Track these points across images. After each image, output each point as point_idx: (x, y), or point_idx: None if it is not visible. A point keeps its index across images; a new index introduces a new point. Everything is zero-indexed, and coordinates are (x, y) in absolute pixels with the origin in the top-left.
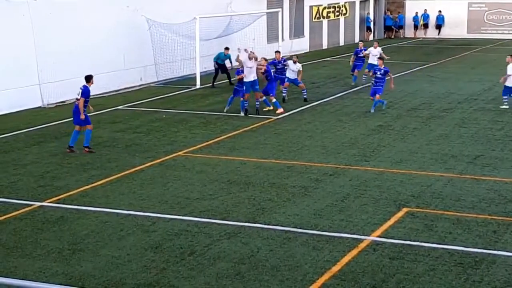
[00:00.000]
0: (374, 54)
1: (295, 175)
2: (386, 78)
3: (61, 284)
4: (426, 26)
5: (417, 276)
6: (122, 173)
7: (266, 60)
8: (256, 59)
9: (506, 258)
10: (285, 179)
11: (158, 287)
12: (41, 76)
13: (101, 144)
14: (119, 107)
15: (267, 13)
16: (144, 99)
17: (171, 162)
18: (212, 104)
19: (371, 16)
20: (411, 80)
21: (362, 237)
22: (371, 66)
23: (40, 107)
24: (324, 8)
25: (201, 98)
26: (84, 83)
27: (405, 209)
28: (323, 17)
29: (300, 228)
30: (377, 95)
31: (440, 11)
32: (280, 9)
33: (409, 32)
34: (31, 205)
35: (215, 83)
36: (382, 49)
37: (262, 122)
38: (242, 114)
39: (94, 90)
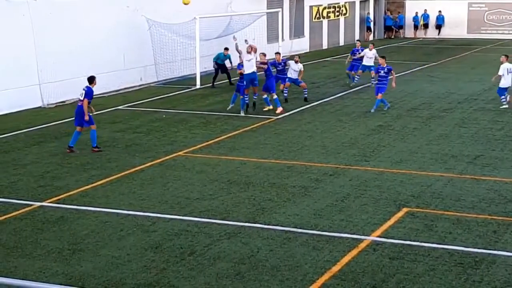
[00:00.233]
0: (369, 56)
1: (295, 175)
2: (389, 77)
3: (61, 284)
4: (426, 26)
5: (417, 276)
6: (122, 173)
7: (265, 55)
8: (255, 51)
9: (506, 258)
10: (285, 179)
11: (158, 287)
12: (41, 76)
13: (101, 144)
14: (119, 107)
15: (267, 13)
16: (144, 99)
17: (171, 162)
18: (212, 104)
19: (371, 16)
20: (411, 80)
21: (362, 237)
22: (365, 67)
23: (40, 107)
24: (324, 8)
25: (201, 98)
26: (87, 84)
27: (405, 209)
28: (323, 17)
29: (300, 228)
30: (379, 94)
31: (440, 11)
32: (280, 9)
33: (409, 32)
34: (31, 205)
35: (215, 83)
36: (382, 49)
37: (262, 122)
38: (242, 114)
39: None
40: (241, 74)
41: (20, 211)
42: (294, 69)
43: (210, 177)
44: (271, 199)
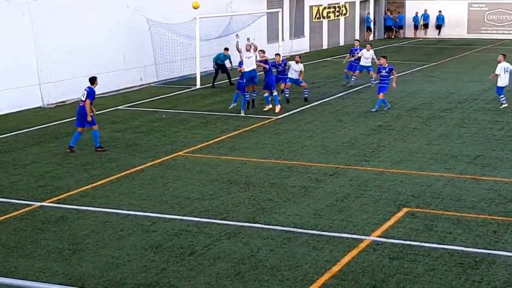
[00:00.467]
0: (366, 57)
1: (295, 175)
2: (391, 77)
3: (61, 284)
4: (426, 26)
5: (417, 276)
6: (122, 173)
7: (263, 52)
8: (255, 49)
9: (506, 258)
10: (285, 179)
11: (158, 287)
12: (41, 76)
13: (102, 144)
14: (119, 107)
15: (267, 13)
16: (144, 99)
17: (171, 162)
18: (212, 104)
19: (371, 16)
20: (411, 80)
21: (362, 237)
22: (362, 68)
23: (40, 107)
24: (324, 8)
25: (201, 98)
26: (88, 84)
27: (405, 209)
28: (323, 17)
29: (300, 228)
30: (381, 94)
31: (440, 11)
32: (280, 9)
33: (409, 32)
34: (31, 205)
35: (215, 83)
36: (383, 50)
37: (262, 122)
38: (242, 114)
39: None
40: (241, 72)
41: (20, 211)
42: (295, 70)
43: (210, 177)
44: (271, 199)
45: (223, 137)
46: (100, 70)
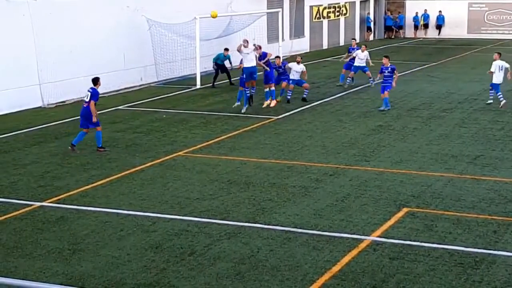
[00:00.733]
0: (360, 57)
1: (295, 175)
2: (393, 76)
3: (61, 284)
4: (426, 26)
5: (417, 276)
6: (122, 173)
7: (260, 47)
8: (260, 48)
9: (506, 258)
10: (285, 179)
11: (158, 287)
12: (41, 76)
13: (102, 144)
14: (119, 107)
15: (267, 13)
16: (144, 99)
17: (171, 162)
18: (212, 104)
19: (371, 16)
20: (411, 80)
21: (362, 237)
22: (357, 68)
23: (40, 107)
24: (324, 8)
25: (201, 98)
26: (92, 85)
27: (405, 209)
28: (323, 17)
29: (300, 228)
30: (386, 92)
31: (440, 11)
32: (280, 9)
33: (409, 32)
34: (31, 205)
35: (215, 83)
36: (383, 50)
37: (262, 122)
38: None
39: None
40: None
41: (20, 211)
42: (296, 70)
43: (210, 177)
44: (271, 199)
45: (223, 137)
46: (100, 70)
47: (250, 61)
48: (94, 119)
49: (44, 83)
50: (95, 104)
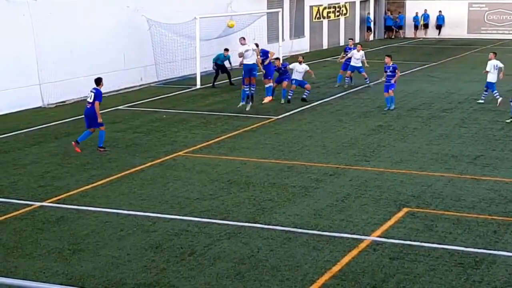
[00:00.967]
0: (356, 57)
1: (295, 175)
2: (395, 75)
3: (61, 284)
4: (426, 26)
5: (417, 276)
6: (122, 173)
7: (257, 45)
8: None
9: (506, 258)
10: (285, 179)
11: (158, 287)
12: (41, 76)
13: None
14: (119, 107)
15: (267, 13)
16: (144, 99)
17: (171, 162)
18: (212, 104)
19: (371, 16)
20: (411, 80)
21: (362, 237)
22: (353, 68)
23: (40, 107)
24: (324, 8)
25: (201, 98)
26: (94, 85)
27: (405, 209)
28: (323, 17)
29: (300, 228)
30: (390, 90)
31: (440, 11)
32: (280, 9)
33: (409, 32)
34: (31, 205)
35: (215, 84)
36: (383, 50)
37: (262, 122)
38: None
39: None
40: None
41: (20, 211)
42: (298, 71)
43: (210, 177)
44: (271, 199)
45: (223, 137)
46: (100, 70)
47: (249, 58)
48: (99, 120)
49: (44, 83)
50: (99, 104)
